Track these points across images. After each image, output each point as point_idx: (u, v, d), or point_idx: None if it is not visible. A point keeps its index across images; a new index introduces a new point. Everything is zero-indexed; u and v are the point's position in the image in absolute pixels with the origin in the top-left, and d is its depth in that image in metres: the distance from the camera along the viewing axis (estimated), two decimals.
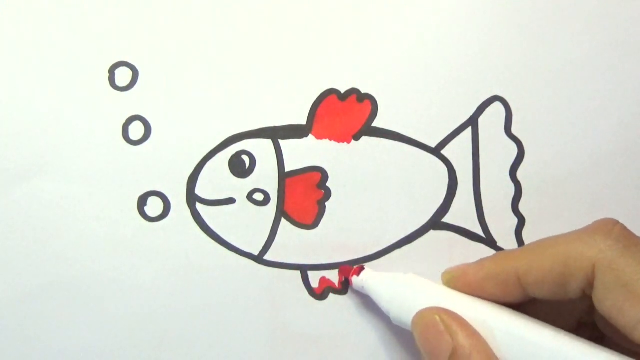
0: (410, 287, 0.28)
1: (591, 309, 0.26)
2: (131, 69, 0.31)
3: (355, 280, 0.31)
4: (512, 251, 0.28)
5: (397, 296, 0.28)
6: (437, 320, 0.26)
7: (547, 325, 0.26)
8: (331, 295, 0.32)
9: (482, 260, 0.28)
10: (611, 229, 0.25)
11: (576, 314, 0.28)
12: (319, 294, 0.32)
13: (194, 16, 0.31)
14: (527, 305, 0.27)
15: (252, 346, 0.31)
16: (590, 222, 0.26)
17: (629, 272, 0.24)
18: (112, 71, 0.31)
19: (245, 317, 0.31)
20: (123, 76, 0.31)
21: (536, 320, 0.26)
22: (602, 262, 0.24)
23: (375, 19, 0.32)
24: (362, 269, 0.31)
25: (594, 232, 0.25)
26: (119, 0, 0.31)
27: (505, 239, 0.32)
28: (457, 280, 0.28)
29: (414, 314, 0.27)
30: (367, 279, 0.30)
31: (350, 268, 0.31)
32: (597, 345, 0.25)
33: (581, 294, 0.26)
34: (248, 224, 0.31)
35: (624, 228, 0.25)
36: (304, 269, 0.32)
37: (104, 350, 0.31)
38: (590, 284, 0.25)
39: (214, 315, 0.31)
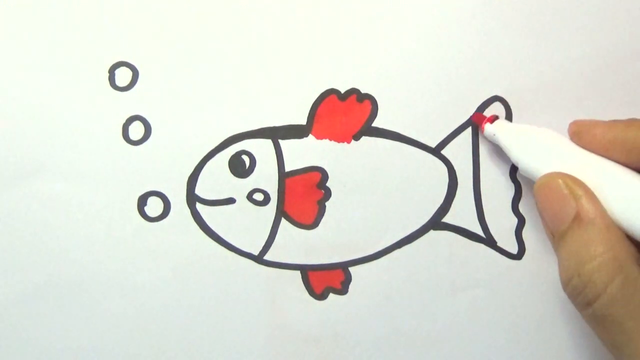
0: (539, 142, 0.29)
1: None
2: (131, 69, 0.31)
3: (488, 128, 0.31)
4: None
5: (526, 150, 0.29)
6: (560, 183, 0.27)
7: None
8: (331, 295, 0.32)
9: (613, 122, 0.28)
10: None
11: None
12: (319, 294, 0.32)
13: (193, 16, 0.31)
14: None
15: (251, 346, 0.31)
16: None
17: None
18: (112, 71, 0.31)
19: (245, 317, 0.31)
20: (123, 76, 0.31)
21: None
22: None
23: (375, 19, 0.32)
24: (496, 117, 0.31)
25: None
26: (119, 0, 0.31)
27: (505, 239, 0.32)
28: (583, 135, 0.28)
29: (541, 169, 0.28)
30: (500, 128, 0.30)
31: (483, 116, 0.31)
32: None
33: None
34: (248, 224, 0.31)
35: None
36: (304, 269, 0.32)
37: (104, 350, 0.31)
38: None
39: (213, 315, 0.31)
